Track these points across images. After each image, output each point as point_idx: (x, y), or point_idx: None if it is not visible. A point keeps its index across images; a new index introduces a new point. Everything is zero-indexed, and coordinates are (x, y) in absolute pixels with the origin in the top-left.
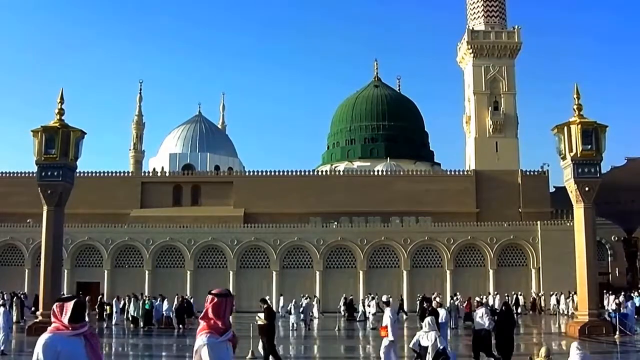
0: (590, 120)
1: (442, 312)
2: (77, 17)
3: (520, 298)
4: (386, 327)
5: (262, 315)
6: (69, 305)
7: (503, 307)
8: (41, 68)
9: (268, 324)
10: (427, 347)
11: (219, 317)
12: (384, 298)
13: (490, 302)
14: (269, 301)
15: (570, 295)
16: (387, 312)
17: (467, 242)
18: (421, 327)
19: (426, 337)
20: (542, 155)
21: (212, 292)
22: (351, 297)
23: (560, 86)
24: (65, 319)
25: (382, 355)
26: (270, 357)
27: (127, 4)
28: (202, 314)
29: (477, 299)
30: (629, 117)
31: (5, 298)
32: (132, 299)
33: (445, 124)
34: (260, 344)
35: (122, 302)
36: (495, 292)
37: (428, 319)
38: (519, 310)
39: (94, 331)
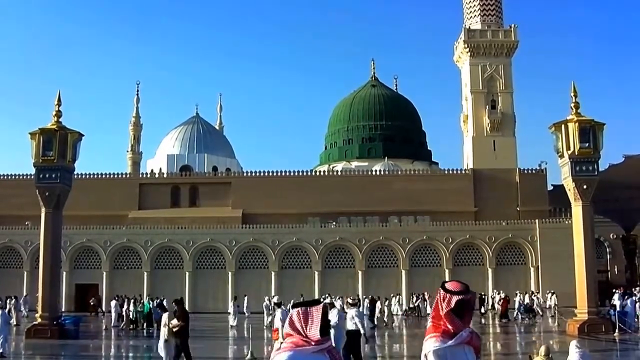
0: (588, 118)
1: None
2: (74, 18)
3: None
4: (277, 329)
5: (174, 321)
6: (317, 313)
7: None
8: (38, 69)
9: (184, 326)
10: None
11: (454, 319)
12: (275, 299)
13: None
14: (183, 301)
15: (548, 294)
16: (278, 314)
17: (465, 241)
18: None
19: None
20: (540, 153)
21: (447, 287)
22: (373, 297)
23: (557, 84)
24: (315, 331)
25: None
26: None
27: (124, 5)
28: (432, 313)
29: (349, 299)
30: (627, 115)
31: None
32: (132, 301)
33: (443, 123)
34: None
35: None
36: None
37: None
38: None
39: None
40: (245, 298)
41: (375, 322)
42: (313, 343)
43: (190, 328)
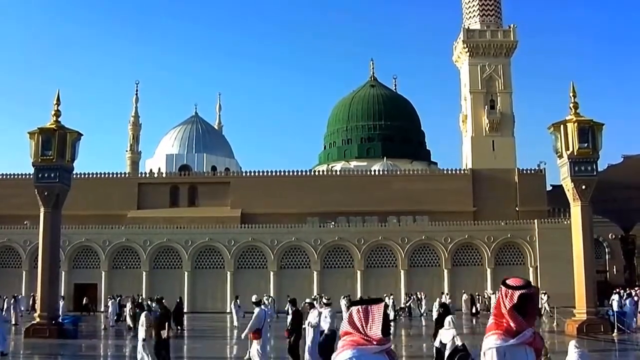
0: (587, 119)
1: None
2: (73, 18)
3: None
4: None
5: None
6: (378, 311)
7: (441, 310)
8: (37, 69)
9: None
10: (445, 344)
11: (517, 317)
12: (254, 298)
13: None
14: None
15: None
16: (255, 311)
17: (464, 241)
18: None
19: (445, 335)
20: (539, 153)
21: (509, 283)
22: (392, 296)
23: (556, 84)
24: (376, 330)
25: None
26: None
27: (124, 4)
28: (494, 311)
29: (325, 299)
30: (626, 115)
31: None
32: (130, 300)
33: (442, 123)
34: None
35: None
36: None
37: (449, 318)
38: (473, 310)
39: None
40: (238, 299)
41: None
42: (374, 342)
43: (189, 328)
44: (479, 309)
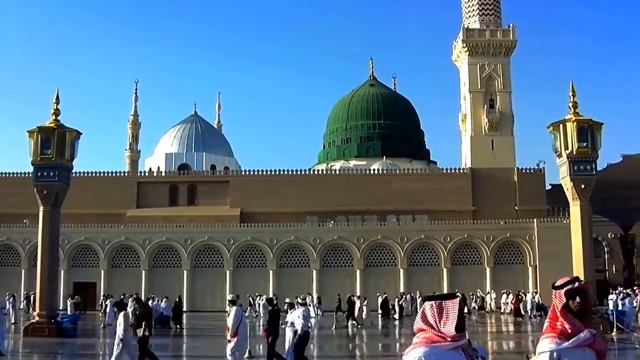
0: (586, 118)
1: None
2: (73, 18)
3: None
4: (228, 328)
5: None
6: (453, 307)
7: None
8: (36, 68)
9: (148, 336)
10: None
11: (571, 318)
12: (230, 297)
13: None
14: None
15: (519, 293)
16: (232, 312)
17: (463, 240)
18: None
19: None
20: (538, 152)
21: (556, 284)
22: (385, 295)
23: (555, 84)
24: (451, 327)
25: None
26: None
27: (123, 4)
28: (549, 314)
29: (299, 299)
30: (625, 114)
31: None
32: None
33: (441, 123)
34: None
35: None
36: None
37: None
38: (465, 310)
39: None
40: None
41: (356, 321)
42: (449, 339)
43: (189, 327)
44: (470, 309)
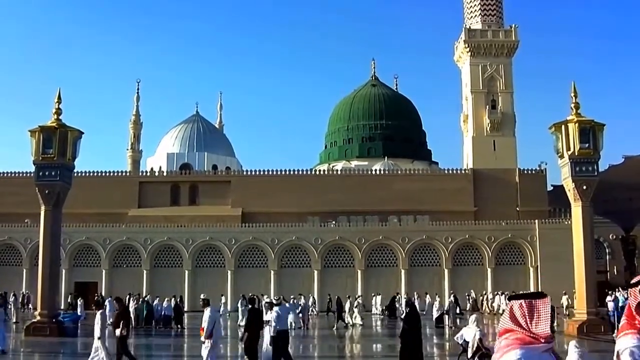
0: (588, 119)
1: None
2: (75, 17)
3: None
4: (203, 328)
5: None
6: (544, 306)
7: (407, 310)
8: (38, 67)
9: (125, 335)
10: (468, 342)
11: None
12: (202, 296)
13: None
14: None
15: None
16: (207, 313)
17: (465, 241)
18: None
19: (468, 332)
20: (540, 153)
21: (632, 282)
22: (393, 295)
23: (557, 84)
24: (544, 327)
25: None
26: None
27: (125, 3)
28: (625, 312)
29: (273, 299)
30: (627, 115)
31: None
32: (133, 299)
33: (443, 123)
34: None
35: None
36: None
37: (474, 316)
38: (458, 310)
39: None
40: (222, 298)
41: (347, 321)
42: (542, 340)
43: (189, 327)
44: (462, 310)
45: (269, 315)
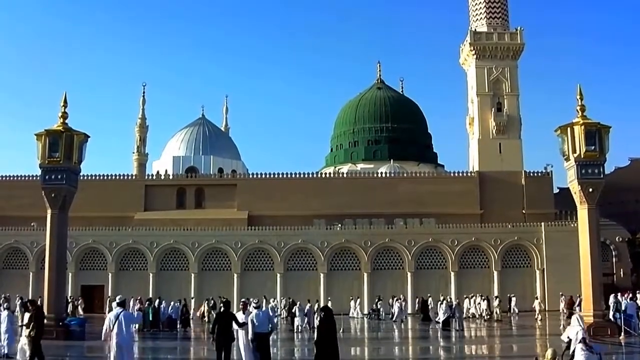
0: (594, 121)
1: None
2: (80, 19)
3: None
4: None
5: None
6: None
7: (322, 314)
8: (44, 70)
9: (37, 337)
10: (571, 340)
11: None
12: (117, 298)
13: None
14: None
15: (483, 298)
16: (112, 313)
17: (471, 243)
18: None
19: (572, 331)
20: (546, 156)
21: None
22: (424, 298)
23: (563, 87)
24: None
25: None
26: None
27: (131, 6)
28: None
29: (254, 302)
30: (633, 118)
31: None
32: (138, 302)
33: (449, 126)
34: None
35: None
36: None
37: (576, 315)
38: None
39: None
40: (213, 301)
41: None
42: None
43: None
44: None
45: (241, 317)
